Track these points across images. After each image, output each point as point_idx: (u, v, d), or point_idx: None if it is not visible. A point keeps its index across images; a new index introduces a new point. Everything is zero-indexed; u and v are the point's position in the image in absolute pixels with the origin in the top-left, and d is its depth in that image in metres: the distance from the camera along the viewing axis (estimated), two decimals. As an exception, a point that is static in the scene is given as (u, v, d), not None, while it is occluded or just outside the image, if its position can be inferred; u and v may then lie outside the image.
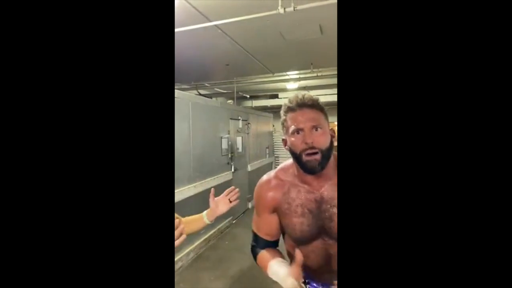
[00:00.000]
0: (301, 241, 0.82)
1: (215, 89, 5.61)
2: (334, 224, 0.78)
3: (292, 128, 0.75)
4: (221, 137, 3.55)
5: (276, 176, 0.86)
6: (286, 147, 0.79)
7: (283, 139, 0.82)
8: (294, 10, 1.82)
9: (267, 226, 0.88)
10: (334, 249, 0.80)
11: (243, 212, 4.29)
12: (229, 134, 3.81)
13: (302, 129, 0.74)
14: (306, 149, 0.73)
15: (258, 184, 0.90)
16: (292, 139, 0.75)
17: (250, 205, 4.56)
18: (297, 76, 4.59)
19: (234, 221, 3.89)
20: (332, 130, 0.78)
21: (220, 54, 3.42)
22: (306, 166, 0.74)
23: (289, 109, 0.77)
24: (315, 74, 4.25)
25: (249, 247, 0.94)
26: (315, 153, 0.73)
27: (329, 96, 5.62)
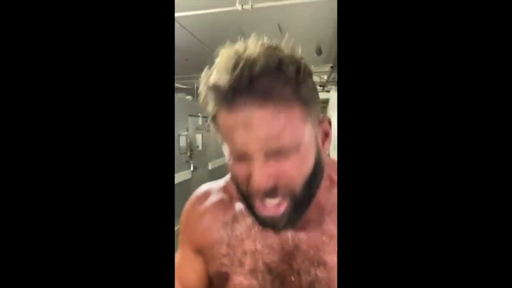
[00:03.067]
0: None
1: (175, 84, 5.42)
2: None
3: (231, 149, 0.39)
4: (179, 135, 3.44)
5: (223, 189, 0.50)
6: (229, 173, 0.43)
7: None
8: (251, 8, 1.81)
9: (184, 273, 0.49)
10: None
11: (204, 211, 4.23)
12: (187, 131, 3.70)
13: (248, 156, 0.37)
14: (259, 193, 0.38)
15: (189, 199, 0.53)
16: (234, 168, 0.40)
17: (211, 203, 4.51)
18: (259, 74, 4.61)
19: (193, 221, 3.80)
20: (327, 121, 0.43)
21: (178, 49, 3.30)
22: (261, 221, 0.41)
23: (219, 98, 0.38)
24: (276, 73, 4.30)
25: None
26: (278, 201, 0.38)
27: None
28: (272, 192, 0.37)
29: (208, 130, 4.35)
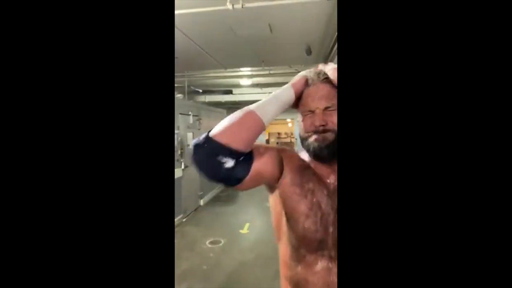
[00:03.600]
0: (304, 246, 0.60)
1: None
2: (333, 233, 0.59)
3: (302, 109, 0.64)
4: (171, 133, 3.42)
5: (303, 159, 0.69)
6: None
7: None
8: (242, 7, 1.82)
9: (266, 163, 0.61)
10: (334, 278, 0.58)
11: (195, 210, 4.22)
12: (178, 129, 3.68)
13: (314, 110, 0.62)
14: (315, 131, 0.61)
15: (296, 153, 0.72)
16: (302, 122, 0.64)
17: (202, 202, 4.50)
18: (250, 73, 4.62)
19: (184, 219, 3.80)
20: None
21: (169, 46, 3.26)
22: (312, 148, 0.61)
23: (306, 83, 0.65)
24: (267, 72, 4.33)
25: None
26: (327, 131, 0.60)
27: (281, 93, 5.76)
28: (325, 128, 0.61)
29: (199, 129, 4.34)
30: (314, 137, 0.61)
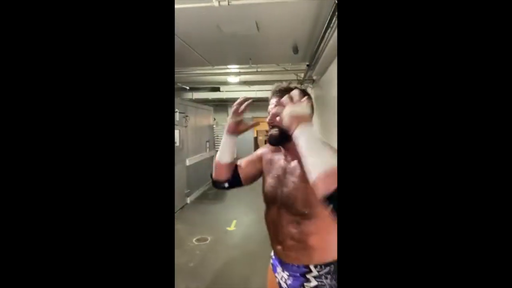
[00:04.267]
0: (266, 202, 0.96)
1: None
2: (287, 192, 0.88)
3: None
4: (157, 130, 3.37)
5: (266, 148, 1.05)
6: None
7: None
8: (228, 4, 1.82)
9: (247, 164, 1.02)
10: (284, 219, 0.90)
11: (181, 208, 4.19)
12: (165, 127, 3.63)
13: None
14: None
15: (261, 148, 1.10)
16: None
17: (188, 200, 4.47)
18: (238, 70, 4.61)
19: (171, 217, 3.76)
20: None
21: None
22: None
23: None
24: (254, 70, 4.33)
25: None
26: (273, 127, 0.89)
27: (268, 92, 5.78)
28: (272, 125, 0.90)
29: (186, 126, 4.30)
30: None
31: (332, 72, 3.32)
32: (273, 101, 0.89)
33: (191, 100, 6.08)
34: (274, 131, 0.87)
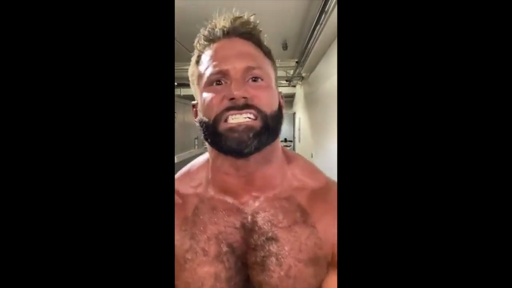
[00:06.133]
0: None
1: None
2: (269, 280, 0.41)
3: (208, 73, 0.41)
4: (144, 127, 3.32)
5: (176, 193, 0.47)
6: (196, 118, 0.45)
7: (193, 105, 0.47)
8: (217, -1, 1.78)
9: None
10: None
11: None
12: (152, 124, 3.57)
13: (226, 74, 0.40)
14: (230, 108, 0.39)
15: None
16: (207, 95, 0.41)
17: (177, 197, 4.43)
18: (226, 67, 4.56)
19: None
20: (281, 93, 0.47)
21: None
22: (227, 140, 0.39)
23: (207, 41, 0.44)
24: (243, 66, 4.30)
25: None
26: (250, 115, 0.39)
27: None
28: (246, 106, 0.39)
29: (173, 123, 4.24)
30: (229, 124, 0.39)
31: (321, 69, 3.34)
32: None
33: (179, 96, 5.98)
34: (252, 117, 0.41)
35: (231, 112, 0.39)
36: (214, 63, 0.41)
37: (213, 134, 0.41)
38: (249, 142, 0.39)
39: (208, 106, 0.41)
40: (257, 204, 0.44)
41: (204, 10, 2.29)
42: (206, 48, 0.44)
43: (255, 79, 0.41)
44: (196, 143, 5.27)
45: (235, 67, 0.40)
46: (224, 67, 0.40)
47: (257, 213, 0.44)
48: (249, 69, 0.41)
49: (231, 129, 0.39)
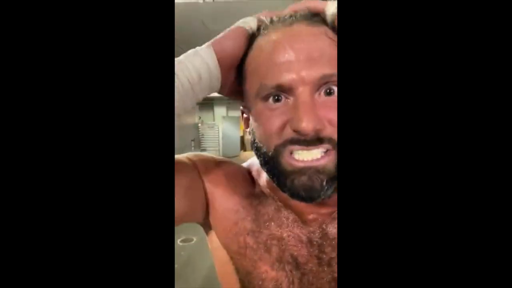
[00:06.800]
0: None
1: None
2: None
3: (262, 82, 0.30)
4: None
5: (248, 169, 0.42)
6: (247, 129, 0.37)
7: (242, 111, 0.38)
8: (213, 1, 1.79)
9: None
10: None
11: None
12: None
13: (289, 90, 0.29)
14: (295, 142, 0.30)
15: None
16: (262, 114, 0.32)
17: (173, 199, 4.41)
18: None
19: (155, 218, 3.70)
20: None
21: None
22: (293, 184, 0.31)
23: (266, 29, 0.33)
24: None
25: None
26: (322, 149, 0.30)
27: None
28: (318, 140, 0.28)
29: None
30: (294, 162, 0.30)
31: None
32: None
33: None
34: (326, 152, 0.31)
35: (297, 147, 0.29)
36: (273, 68, 0.29)
37: (274, 168, 0.31)
38: (321, 189, 0.29)
39: (265, 131, 0.31)
40: (326, 220, 0.36)
41: (201, 13, 2.29)
42: (265, 32, 0.32)
43: (329, 91, 0.29)
44: (193, 145, 5.26)
45: (304, 78, 0.28)
46: (287, 77, 0.28)
47: (327, 224, 0.35)
48: (324, 78, 0.28)
49: (299, 171, 0.29)
